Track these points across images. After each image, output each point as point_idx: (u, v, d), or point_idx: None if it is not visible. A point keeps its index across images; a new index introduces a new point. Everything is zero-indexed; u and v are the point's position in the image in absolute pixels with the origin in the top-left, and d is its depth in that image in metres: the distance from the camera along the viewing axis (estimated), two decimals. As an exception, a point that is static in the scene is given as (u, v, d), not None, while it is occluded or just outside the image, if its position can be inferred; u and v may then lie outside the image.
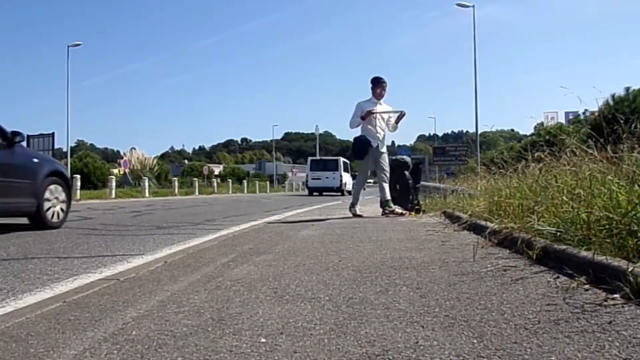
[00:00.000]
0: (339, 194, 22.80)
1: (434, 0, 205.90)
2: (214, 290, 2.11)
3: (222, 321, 1.64)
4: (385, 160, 6.39)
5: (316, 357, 1.30)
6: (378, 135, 6.30)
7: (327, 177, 23.65)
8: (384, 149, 6.43)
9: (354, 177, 22.45)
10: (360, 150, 6.30)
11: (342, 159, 25.09)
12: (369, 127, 6.28)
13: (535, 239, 2.59)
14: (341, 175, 23.77)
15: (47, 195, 5.41)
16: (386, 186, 6.34)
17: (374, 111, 6.24)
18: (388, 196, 6.32)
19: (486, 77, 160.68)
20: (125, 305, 1.91)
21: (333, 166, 24.05)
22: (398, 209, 6.37)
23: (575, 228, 2.46)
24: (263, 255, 3.09)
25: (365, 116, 6.18)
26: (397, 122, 6.41)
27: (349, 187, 23.25)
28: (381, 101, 6.40)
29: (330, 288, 2.10)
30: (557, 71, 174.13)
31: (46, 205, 5.38)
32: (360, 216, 6.44)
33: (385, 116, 6.41)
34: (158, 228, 5.81)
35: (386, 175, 6.35)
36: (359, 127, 6.39)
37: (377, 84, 6.34)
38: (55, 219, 5.51)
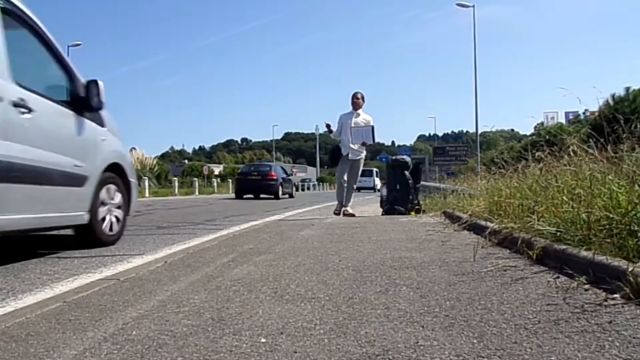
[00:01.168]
0: (373, 191, 32.35)
1: (433, 0, 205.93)
2: (214, 290, 2.11)
3: (222, 321, 1.64)
4: (356, 168, 7.12)
5: (316, 357, 1.30)
6: (351, 145, 6.95)
7: (364, 180, 32.15)
8: (357, 157, 7.08)
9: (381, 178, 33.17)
10: (333, 158, 7.33)
11: (374, 169, 39.15)
12: (343, 137, 7.02)
13: (535, 239, 2.58)
14: (374, 180, 36.50)
15: (293, 189, 22.19)
16: (350, 192, 7.18)
17: (351, 123, 6.90)
18: (348, 201, 7.17)
19: (486, 77, 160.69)
20: (125, 305, 1.91)
21: (369, 173, 34.69)
22: (350, 211, 7.09)
23: (575, 228, 2.45)
24: (263, 255, 3.09)
25: (328, 131, 7.12)
26: (373, 140, 7.02)
27: (379, 187, 35.77)
28: (359, 111, 7.05)
29: (330, 288, 2.10)
30: (557, 71, 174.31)
31: (293, 192, 21.74)
32: (352, 215, 6.81)
33: (362, 123, 7.01)
34: (158, 228, 5.81)
35: (353, 181, 7.21)
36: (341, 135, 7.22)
37: (353, 97, 7.14)
38: (294, 197, 20.25)
